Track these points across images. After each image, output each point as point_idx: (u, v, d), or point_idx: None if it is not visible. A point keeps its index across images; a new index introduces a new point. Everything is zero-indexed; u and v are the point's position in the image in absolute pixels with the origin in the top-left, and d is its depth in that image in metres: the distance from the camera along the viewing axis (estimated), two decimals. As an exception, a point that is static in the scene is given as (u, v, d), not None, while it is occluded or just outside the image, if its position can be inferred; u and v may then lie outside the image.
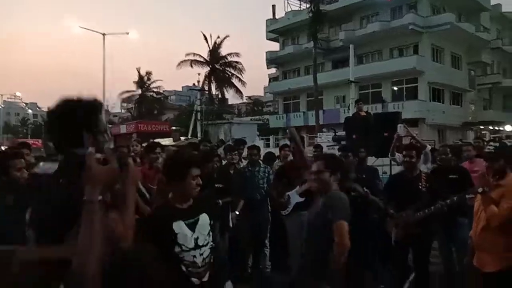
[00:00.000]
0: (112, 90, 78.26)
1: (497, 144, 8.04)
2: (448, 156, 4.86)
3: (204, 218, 2.46)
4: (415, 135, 5.32)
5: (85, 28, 24.87)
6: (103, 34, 25.44)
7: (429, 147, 5.22)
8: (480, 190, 3.26)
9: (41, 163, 1.29)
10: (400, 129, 5.26)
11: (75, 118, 1.48)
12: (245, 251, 5.24)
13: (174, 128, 19.59)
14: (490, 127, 29.55)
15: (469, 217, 5.02)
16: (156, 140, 16.22)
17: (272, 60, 37.48)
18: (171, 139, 16.13)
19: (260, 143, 27.18)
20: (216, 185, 4.61)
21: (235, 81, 38.75)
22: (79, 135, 1.48)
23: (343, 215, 2.73)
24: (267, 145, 26.80)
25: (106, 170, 1.29)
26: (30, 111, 68.68)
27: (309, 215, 3.06)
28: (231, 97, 42.21)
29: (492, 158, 3.45)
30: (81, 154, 1.31)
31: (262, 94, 58.97)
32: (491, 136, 18.79)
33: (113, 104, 38.12)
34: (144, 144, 5.54)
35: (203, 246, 2.40)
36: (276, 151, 6.55)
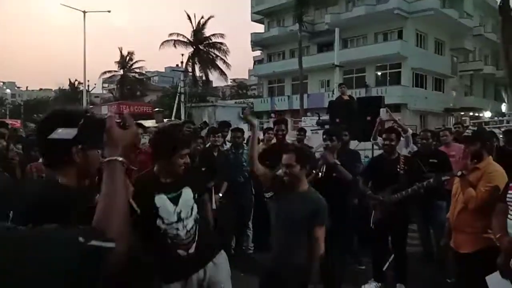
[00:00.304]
0: (93, 70, 76.67)
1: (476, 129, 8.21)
2: (429, 141, 4.95)
3: (187, 192, 2.48)
4: (397, 119, 5.39)
5: (66, 5, 24.10)
6: (84, 12, 24.75)
7: (410, 131, 5.30)
8: (458, 173, 3.33)
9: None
10: (383, 113, 5.31)
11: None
12: (229, 232, 5.27)
13: (156, 109, 19.29)
14: (471, 113, 30.14)
15: (447, 200, 5.17)
16: (139, 122, 16.09)
17: (257, 42, 37.12)
18: (154, 120, 15.93)
19: (244, 126, 27.14)
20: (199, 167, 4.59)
21: (219, 63, 38.32)
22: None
23: (325, 221, 2.76)
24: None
25: (126, 132, 1.25)
26: (8, 90, 66.65)
27: (283, 207, 2.87)
28: (216, 80, 41.85)
29: (469, 141, 3.50)
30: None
31: (247, 77, 58.68)
32: (471, 122, 19.18)
33: (94, 84, 37.31)
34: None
35: (186, 218, 2.42)
36: (261, 135, 6.54)
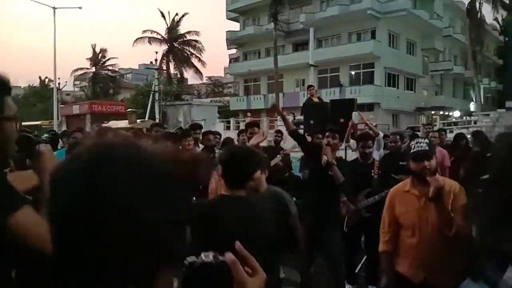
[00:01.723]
0: (64, 67, 74.50)
1: (446, 130, 8.45)
2: (398, 143, 5.07)
3: None
4: (368, 122, 5.48)
5: (35, 1, 23.30)
6: (54, 8, 23.98)
7: (381, 134, 5.39)
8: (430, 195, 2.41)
9: None
10: (355, 116, 5.38)
11: None
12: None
13: (130, 110, 18.93)
14: (441, 112, 31.03)
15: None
16: (112, 122, 15.77)
17: (232, 40, 36.99)
18: (127, 121, 15.64)
19: (220, 125, 27.00)
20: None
21: (194, 61, 38.02)
22: None
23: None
24: (228, 128, 26.68)
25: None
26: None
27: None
28: (191, 78, 41.52)
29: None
30: None
31: (223, 75, 58.39)
32: (441, 122, 19.75)
33: (65, 82, 36.26)
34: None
35: None
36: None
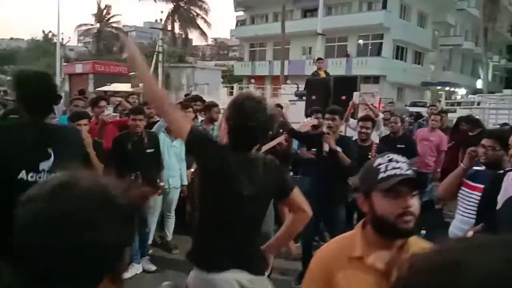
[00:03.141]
0: (68, 22, 73.13)
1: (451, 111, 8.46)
2: (397, 125, 5.12)
3: None
4: (369, 103, 5.48)
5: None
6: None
7: (381, 115, 5.43)
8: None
9: None
10: (356, 97, 5.37)
11: None
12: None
13: (132, 73, 18.76)
14: (447, 88, 30.72)
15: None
16: (114, 85, 15.68)
17: (240, 2, 36.00)
18: (130, 84, 15.57)
19: (223, 90, 26.85)
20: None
21: (200, 21, 37.30)
22: None
23: None
24: (231, 94, 26.52)
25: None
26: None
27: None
28: (195, 39, 40.81)
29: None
30: None
31: (228, 37, 57.34)
32: (445, 101, 19.59)
33: (68, 37, 35.69)
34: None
35: None
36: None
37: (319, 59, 8.69)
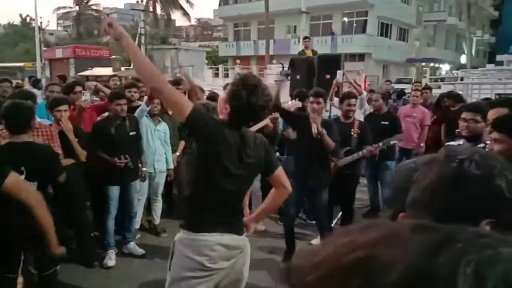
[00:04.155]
0: (46, 4, 70.84)
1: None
2: (379, 102, 5.14)
3: None
4: (352, 81, 5.47)
5: None
6: None
7: (364, 93, 5.44)
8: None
9: None
10: (339, 75, 5.36)
11: None
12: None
13: (113, 57, 18.36)
14: (431, 64, 30.88)
15: (395, 160, 5.47)
16: (96, 69, 15.38)
17: (222, -19, 35.36)
18: (111, 68, 15.29)
19: (209, 72, 26.55)
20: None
21: (182, 2, 36.47)
22: None
23: None
24: (216, 75, 26.28)
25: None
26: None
27: None
28: (178, 20, 40.06)
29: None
30: None
31: (212, 17, 56.37)
32: (429, 77, 19.71)
33: (47, 21, 34.65)
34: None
35: None
36: (226, 81, 6.44)
37: (305, 37, 8.61)
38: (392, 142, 4.49)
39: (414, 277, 0.32)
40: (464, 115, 2.84)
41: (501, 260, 0.32)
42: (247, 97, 1.93)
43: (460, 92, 8.37)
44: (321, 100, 3.93)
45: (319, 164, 4.02)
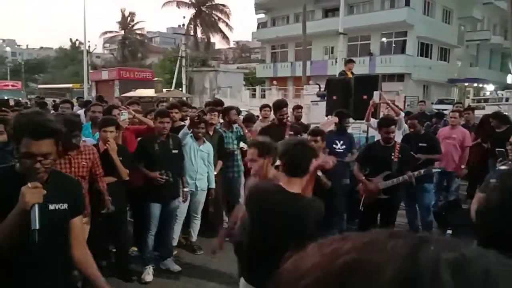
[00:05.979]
0: (94, 29, 75.05)
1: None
2: (417, 128, 5.08)
3: None
4: (389, 102, 5.42)
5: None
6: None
7: (402, 114, 5.36)
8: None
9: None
10: (376, 96, 5.32)
11: None
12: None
13: (156, 79, 19.13)
14: (475, 85, 29.82)
15: (434, 183, 5.33)
16: (139, 91, 16.08)
17: (260, 4, 36.06)
18: (153, 90, 15.93)
19: (246, 93, 27.01)
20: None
21: (222, 25, 37.63)
22: None
23: None
24: (253, 96, 26.66)
25: None
26: (8, 48, 65.65)
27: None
28: (218, 42, 41.21)
29: None
30: None
31: (250, 40, 57.58)
32: (472, 98, 19.04)
33: (95, 45, 36.76)
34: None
35: None
36: (262, 102, 6.56)
37: (350, 60, 8.46)
38: (434, 171, 4.40)
39: (403, 274, 0.36)
40: None
41: (470, 259, 0.36)
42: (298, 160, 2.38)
43: (506, 114, 8.06)
44: (318, 138, 4.03)
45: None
